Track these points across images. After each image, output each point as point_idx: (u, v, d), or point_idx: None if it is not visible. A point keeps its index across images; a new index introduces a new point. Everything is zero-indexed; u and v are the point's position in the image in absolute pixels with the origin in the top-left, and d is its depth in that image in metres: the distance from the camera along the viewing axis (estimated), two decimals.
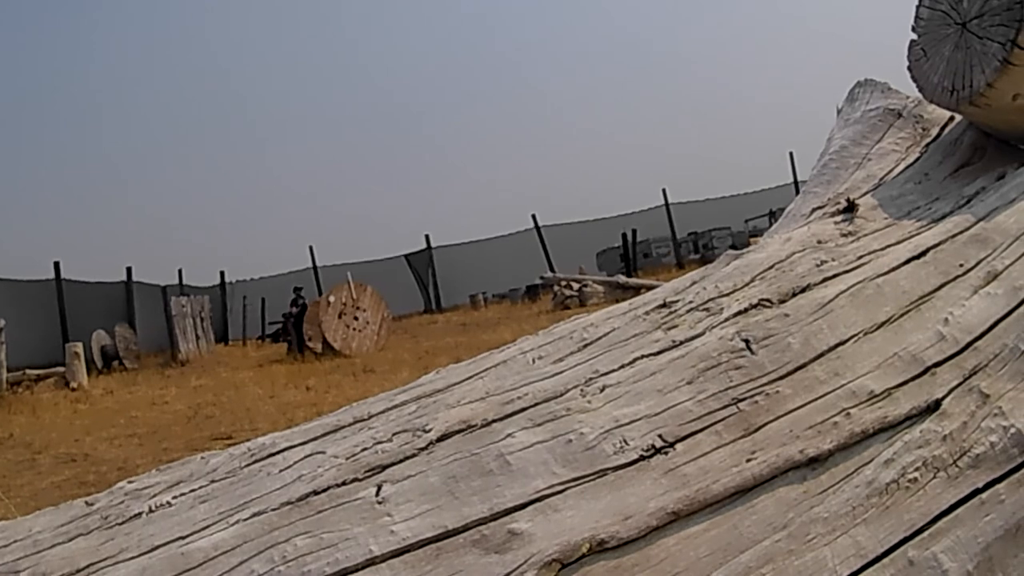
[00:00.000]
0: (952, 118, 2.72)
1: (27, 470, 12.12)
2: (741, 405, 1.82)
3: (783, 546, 1.68)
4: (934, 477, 1.82)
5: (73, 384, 23.28)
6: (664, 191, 48.62)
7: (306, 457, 1.78)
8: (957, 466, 1.84)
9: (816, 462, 1.78)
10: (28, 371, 24.02)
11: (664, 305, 2.06)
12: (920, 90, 2.63)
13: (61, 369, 24.21)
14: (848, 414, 1.85)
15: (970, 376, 1.96)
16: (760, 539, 1.68)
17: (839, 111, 2.93)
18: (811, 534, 1.71)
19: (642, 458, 1.72)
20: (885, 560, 1.73)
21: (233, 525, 1.64)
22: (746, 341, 1.91)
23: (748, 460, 1.74)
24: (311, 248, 48.28)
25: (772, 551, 1.67)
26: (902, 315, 2.04)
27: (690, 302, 2.05)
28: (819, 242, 2.20)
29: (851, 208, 2.31)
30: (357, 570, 1.55)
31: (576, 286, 32.55)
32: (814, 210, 2.42)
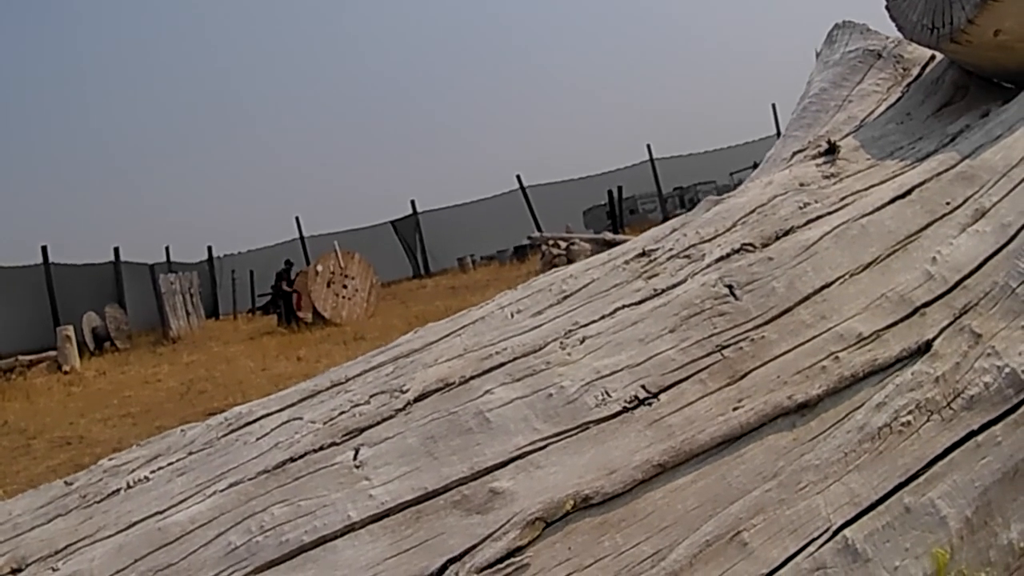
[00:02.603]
0: (933, 57, 2.69)
1: (23, 456, 12.10)
2: (726, 352, 1.78)
3: (774, 495, 1.65)
4: (927, 420, 1.79)
5: (65, 367, 23.24)
6: (648, 147, 48.49)
7: (283, 424, 1.75)
8: (951, 408, 1.81)
9: (805, 408, 1.74)
10: (20, 357, 23.98)
11: (644, 254, 2.02)
12: (900, 29, 2.60)
13: (53, 353, 24.17)
14: (837, 358, 1.82)
15: (961, 315, 1.93)
16: (750, 489, 1.65)
17: (818, 54, 2.89)
18: (802, 482, 1.68)
19: (625, 410, 1.68)
20: (880, 507, 1.71)
21: (210, 497, 1.61)
22: (729, 287, 1.87)
23: (735, 408, 1.71)
24: (297, 219, 48.08)
25: (763, 501, 1.64)
26: (888, 255, 2.01)
27: (670, 249, 2.01)
28: (801, 184, 2.16)
29: (833, 150, 2.27)
30: (336, 537, 1.52)
31: (564, 245, 32.50)
32: (795, 154, 2.39)
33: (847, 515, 1.68)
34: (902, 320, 1.91)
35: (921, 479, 1.74)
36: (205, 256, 47.45)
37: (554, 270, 2.11)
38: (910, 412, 1.79)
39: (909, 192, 2.12)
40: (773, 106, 46.43)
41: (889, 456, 1.75)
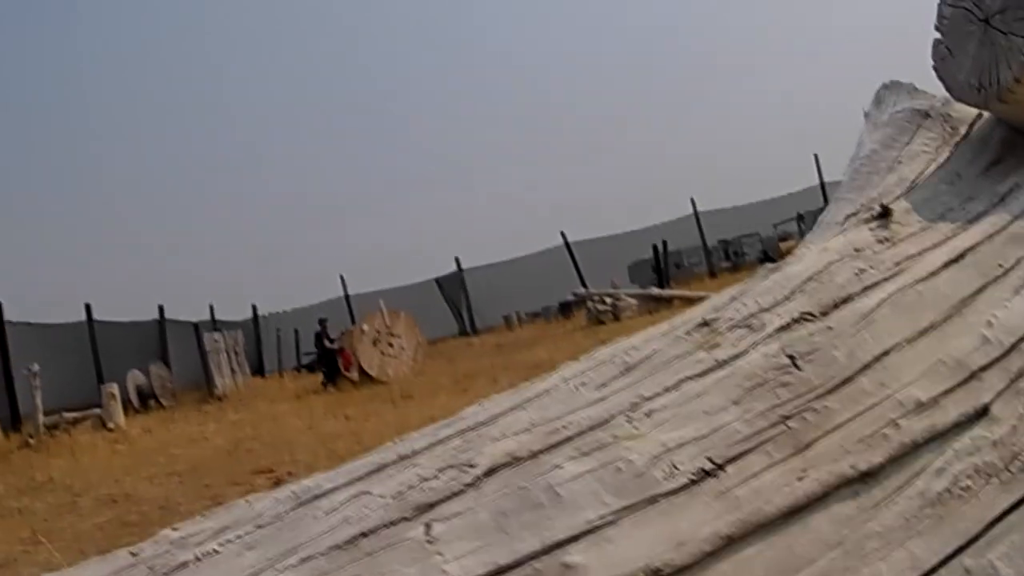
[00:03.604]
0: (980, 115, 2.69)
1: (68, 513, 12.15)
2: (790, 423, 1.79)
3: (839, 563, 1.66)
4: (986, 483, 1.80)
5: (110, 424, 23.31)
6: (692, 200, 48.61)
7: (352, 498, 1.75)
8: (1009, 471, 1.81)
9: (868, 476, 1.75)
10: (64, 414, 24.08)
11: (704, 324, 2.03)
12: (947, 89, 2.60)
13: (97, 410, 24.26)
14: (897, 425, 1.82)
15: (1016, 379, 1.94)
16: (815, 558, 1.65)
17: (866, 115, 2.90)
18: (866, 549, 1.68)
19: (692, 482, 1.69)
20: (941, 571, 1.71)
21: (282, 573, 1.61)
22: (791, 357, 1.88)
23: (799, 479, 1.72)
24: (342, 277, 48.33)
25: (828, 569, 1.65)
26: (944, 320, 2.01)
27: (730, 319, 2.02)
28: (856, 250, 2.17)
29: (885, 213, 2.28)
30: None
31: (609, 300, 32.49)
32: (848, 217, 2.40)
33: None
34: (959, 385, 1.91)
35: (980, 541, 1.74)
36: (249, 315, 47.76)
37: (615, 341, 2.12)
38: (969, 476, 1.79)
39: (962, 256, 2.13)
40: (815, 156, 46.50)
41: (949, 520, 1.75)
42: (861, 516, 1.71)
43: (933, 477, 1.78)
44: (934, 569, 1.71)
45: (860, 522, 1.70)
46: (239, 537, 1.75)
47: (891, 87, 2.89)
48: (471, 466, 1.73)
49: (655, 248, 43.88)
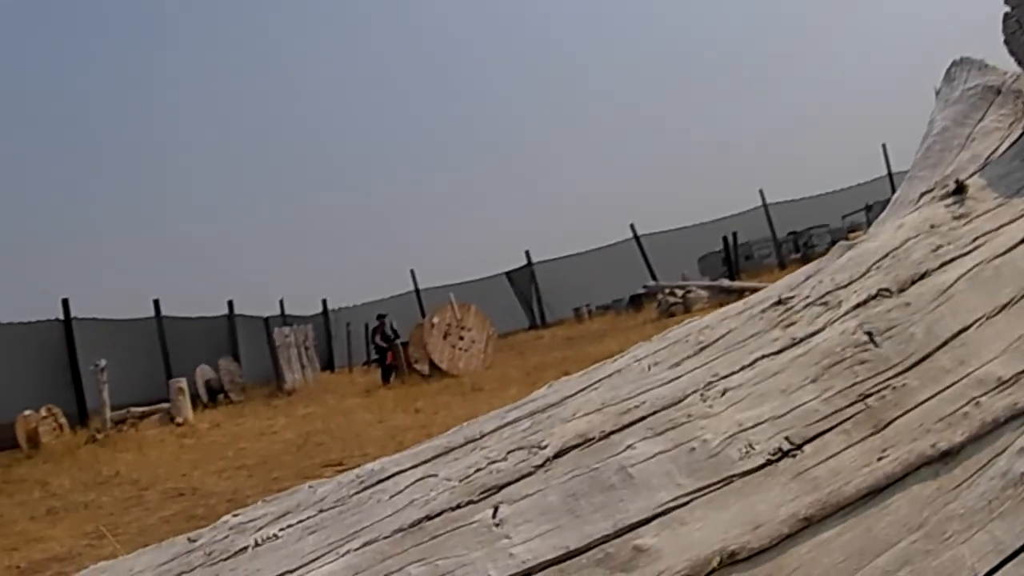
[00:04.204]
0: None
1: (135, 507, 12.23)
2: (868, 401, 1.74)
3: (920, 547, 1.61)
4: None
5: (178, 419, 23.48)
6: (761, 192, 48.49)
7: (417, 481, 1.72)
8: None
9: (948, 456, 1.70)
10: (132, 409, 24.30)
11: (780, 302, 1.99)
12: (1019, 63, 2.55)
13: (166, 405, 24.46)
14: (977, 403, 1.77)
15: None
16: (896, 541, 1.61)
17: (937, 92, 2.85)
18: (947, 532, 1.64)
19: (769, 462, 1.65)
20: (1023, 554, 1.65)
21: (343, 556, 1.58)
22: (868, 334, 1.84)
23: (879, 459, 1.67)
24: (412, 271, 48.49)
25: (909, 553, 1.60)
26: (1023, 296, 1.96)
27: (807, 297, 1.98)
28: (932, 226, 2.12)
29: (961, 190, 2.23)
30: None
31: (680, 293, 32.47)
32: (922, 195, 2.34)
33: (991, 563, 1.64)
34: None
35: None
36: (320, 309, 47.99)
37: (688, 321, 2.08)
38: None
39: None
40: (883, 146, 46.28)
41: None
42: (942, 497, 1.67)
43: (1015, 457, 1.73)
44: (1016, 552, 1.66)
45: (941, 504, 1.66)
46: (300, 522, 1.72)
47: (961, 63, 2.83)
48: (540, 447, 1.70)
49: (725, 240, 43.77)
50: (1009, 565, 1.64)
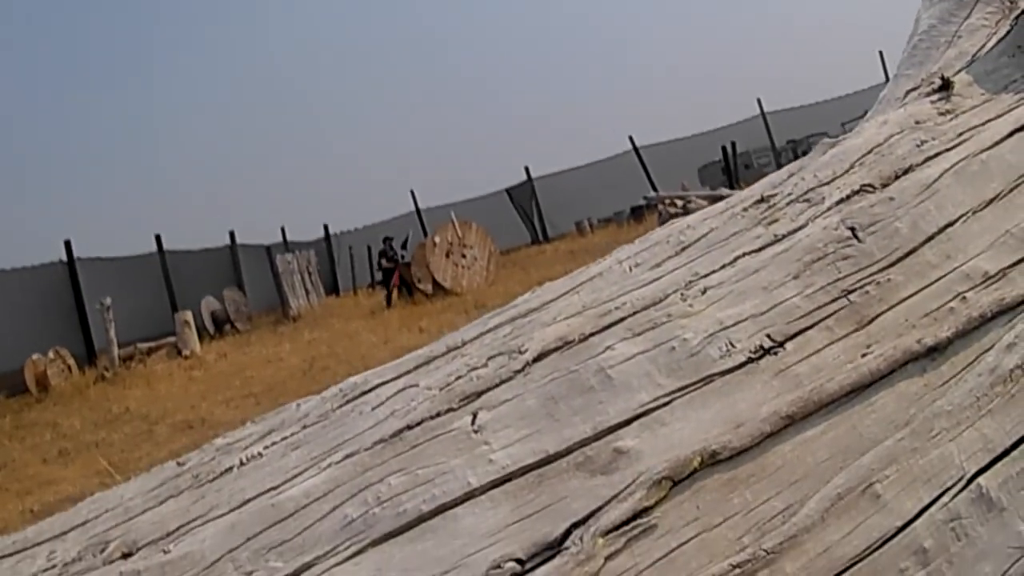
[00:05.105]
0: None
1: (145, 442, 12.31)
2: (852, 297, 1.72)
3: (906, 444, 1.60)
4: None
5: (185, 352, 23.53)
6: (759, 100, 48.26)
7: (398, 392, 1.71)
8: None
9: (935, 352, 1.68)
10: (139, 344, 24.30)
11: (762, 200, 1.96)
12: None
13: (172, 339, 24.50)
14: (964, 298, 1.75)
15: None
16: (881, 439, 1.59)
17: None
18: (935, 430, 1.62)
19: (750, 360, 1.63)
20: (1015, 453, 1.65)
21: (325, 470, 1.58)
22: (852, 229, 1.81)
23: (863, 355, 1.65)
24: (412, 192, 48.26)
25: (895, 451, 1.59)
26: (1011, 190, 1.94)
27: (789, 194, 1.95)
28: (917, 122, 2.09)
29: (946, 86, 2.20)
30: (455, 504, 1.48)
31: (680, 203, 32.39)
32: (908, 92, 2.31)
33: (980, 462, 1.62)
34: None
35: None
36: (322, 234, 47.81)
37: (671, 222, 2.05)
38: None
39: None
40: (880, 53, 46.05)
41: (1022, 399, 1.68)
42: (929, 394, 1.65)
43: (1003, 352, 1.71)
44: (1007, 451, 1.64)
45: (928, 401, 1.64)
46: (284, 439, 1.72)
47: None
48: (520, 352, 1.68)
49: (724, 149, 43.60)
50: (999, 464, 1.63)
